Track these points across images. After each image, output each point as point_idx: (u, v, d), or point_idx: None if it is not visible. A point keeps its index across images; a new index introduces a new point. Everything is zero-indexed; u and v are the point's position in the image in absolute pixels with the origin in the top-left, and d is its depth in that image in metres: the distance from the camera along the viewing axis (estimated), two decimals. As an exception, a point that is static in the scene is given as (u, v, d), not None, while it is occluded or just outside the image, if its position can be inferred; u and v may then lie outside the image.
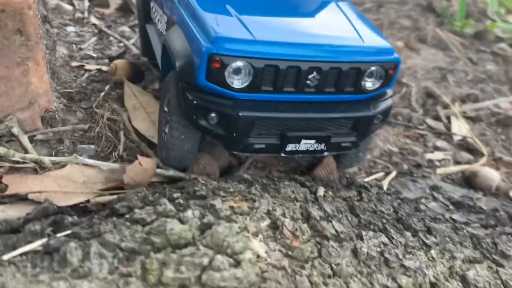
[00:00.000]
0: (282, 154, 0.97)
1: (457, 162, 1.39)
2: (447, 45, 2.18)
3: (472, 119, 1.63)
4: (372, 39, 0.99)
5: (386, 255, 0.82)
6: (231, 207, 0.82)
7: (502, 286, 0.85)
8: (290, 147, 0.96)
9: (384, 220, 0.93)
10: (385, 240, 0.86)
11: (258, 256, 0.73)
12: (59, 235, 0.77)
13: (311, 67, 0.91)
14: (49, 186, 0.96)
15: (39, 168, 1.02)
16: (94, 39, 1.86)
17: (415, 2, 2.80)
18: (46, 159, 1.01)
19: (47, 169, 1.01)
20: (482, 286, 0.83)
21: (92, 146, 1.15)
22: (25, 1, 0.99)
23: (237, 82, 0.89)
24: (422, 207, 1.10)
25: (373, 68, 0.95)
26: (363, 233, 0.86)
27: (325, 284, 0.72)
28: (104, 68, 1.61)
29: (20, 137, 1.05)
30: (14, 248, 0.75)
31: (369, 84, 0.97)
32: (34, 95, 1.09)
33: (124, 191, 0.98)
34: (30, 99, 1.09)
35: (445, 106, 1.67)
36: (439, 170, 1.32)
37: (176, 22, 1.04)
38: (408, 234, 0.91)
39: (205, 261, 0.69)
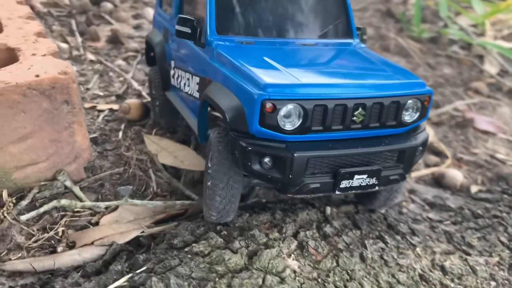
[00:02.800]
0: (337, 192, 1.01)
1: (427, 165, 1.68)
2: (408, 52, 2.47)
3: (436, 124, 1.92)
4: (404, 75, 1.09)
5: (385, 257, 1.09)
6: (266, 234, 1.07)
7: (471, 270, 1.13)
8: (344, 184, 1.01)
9: (379, 228, 1.19)
10: (383, 245, 1.13)
11: (295, 272, 0.98)
12: (138, 271, 1.00)
13: (356, 104, 0.99)
14: (107, 232, 1.18)
15: (94, 212, 1.23)
16: (96, 77, 2.04)
17: (375, 8, 3.08)
18: (102, 205, 1.22)
19: (101, 213, 1.23)
20: (456, 273, 1.11)
21: (130, 187, 1.37)
22: (69, 77, 1.19)
23: (289, 125, 0.96)
24: (404, 210, 1.38)
25: (410, 101, 1.04)
26: (366, 242, 1.12)
27: (346, 287, 0.98)
28: (114, 106, 1.81)
29: (73, 189, 1.26)
30: (105, 286, 0.97)
31: (408, 117, 1.06)
32: (79, 150, 1.29)
33: (169, 224, 1.21)
34: (76, 154, 1.29)
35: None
36: (414, 174, 1.60)
37: (214, 80, 1.13)
38: (398, 237, 1.18)
39: (260, 281, 0.93)
